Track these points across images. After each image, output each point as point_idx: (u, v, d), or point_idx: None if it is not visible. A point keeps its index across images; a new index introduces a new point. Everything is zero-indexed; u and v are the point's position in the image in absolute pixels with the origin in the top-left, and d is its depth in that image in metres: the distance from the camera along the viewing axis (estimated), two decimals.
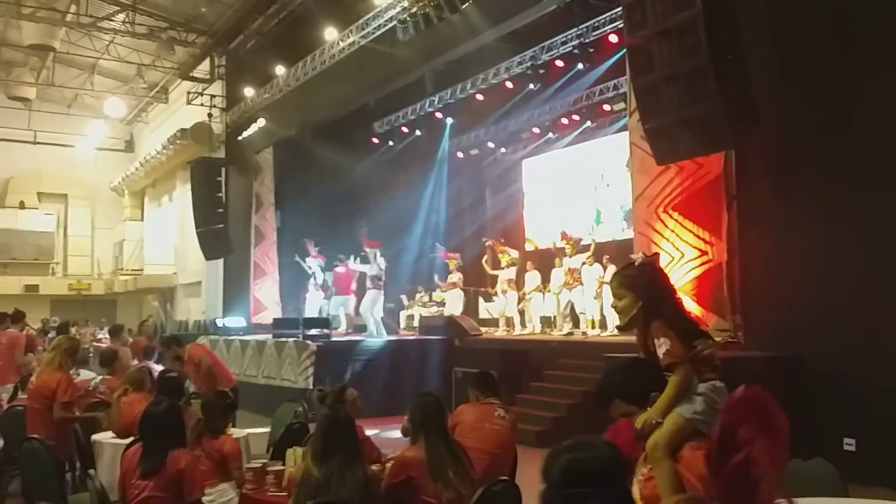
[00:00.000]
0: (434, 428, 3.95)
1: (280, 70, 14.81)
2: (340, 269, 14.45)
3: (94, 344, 14.77)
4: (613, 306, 3.15)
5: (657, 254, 4.30)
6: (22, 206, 24.57)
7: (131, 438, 5.02)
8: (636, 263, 3.10)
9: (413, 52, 11.69)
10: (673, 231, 8.66)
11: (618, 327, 3.17)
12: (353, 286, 14.42)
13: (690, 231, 8.55)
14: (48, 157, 24.52)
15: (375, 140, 17.17)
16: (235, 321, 15.49)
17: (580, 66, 12.47)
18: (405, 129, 16.50)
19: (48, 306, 22.22)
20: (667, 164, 8.35)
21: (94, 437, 6.27)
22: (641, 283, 3.01)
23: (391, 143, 16.85)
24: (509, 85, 13.71)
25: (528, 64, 13.05)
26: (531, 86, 13.27)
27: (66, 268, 25.36)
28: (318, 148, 15.78)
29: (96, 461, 5.99)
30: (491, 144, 16.88)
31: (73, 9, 17.40)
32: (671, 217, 8.69)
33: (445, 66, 13.37)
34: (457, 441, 4.24)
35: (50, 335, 13.35)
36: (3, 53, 20.84)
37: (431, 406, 4.04)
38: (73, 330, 12.90)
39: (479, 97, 14.49)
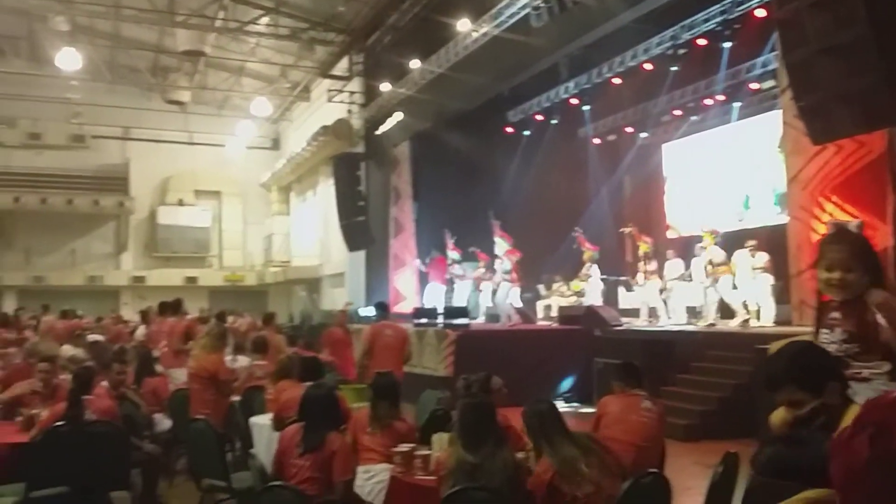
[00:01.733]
0: (554, 430, 3.90)
1: (415, 64, 15.06)
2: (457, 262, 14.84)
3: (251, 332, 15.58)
4: (839, 280, 2.75)
5: (863, 222, 4.01)
6: (181, 203, 26.35)
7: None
8: (855, 230, 2.87)
9: (547, 38, 11.55)
10: (831, 215, 8.13)
11: (840, 302, 2.86)
12: (450, 276, 14.69)
13: (851, 214, 7.99)
14: (203, 157, 26.15)
15: (509, 129, 17.13)
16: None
17: (724, 43, 11.90)
18: (539, 117, 16.36)
19: (206, 297, 23.72)
20: (824, 144, 7.83)
21: (252, 419, 6.64)
22: (869, 253, 2.78)
23: (526, 131, 16.75)
24: (648, 67, 13.29)
25: (668, 44, 12.61)
26: (672, 67, 12.81)
27: (222, 260, 26.98)
28: (452, 139, 15.94)
29: (254, 442, 6.34)
30: (629, 129, 16.45)
31: (221, 14, 18.40)
32: (829, 200, 8.15)
33: (580, 50, 13.11)
34: (588, 433, 4.18)
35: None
36: (160, 60, 22.37)
37: (546, 411, 3.99)
38: (230, 319, 13.68)
39: (616, 81, 14.14)
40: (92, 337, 11.26)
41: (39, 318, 14.69)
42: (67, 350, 8.78)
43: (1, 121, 24.38)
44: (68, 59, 18.94)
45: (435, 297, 15.64)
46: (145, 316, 14.30)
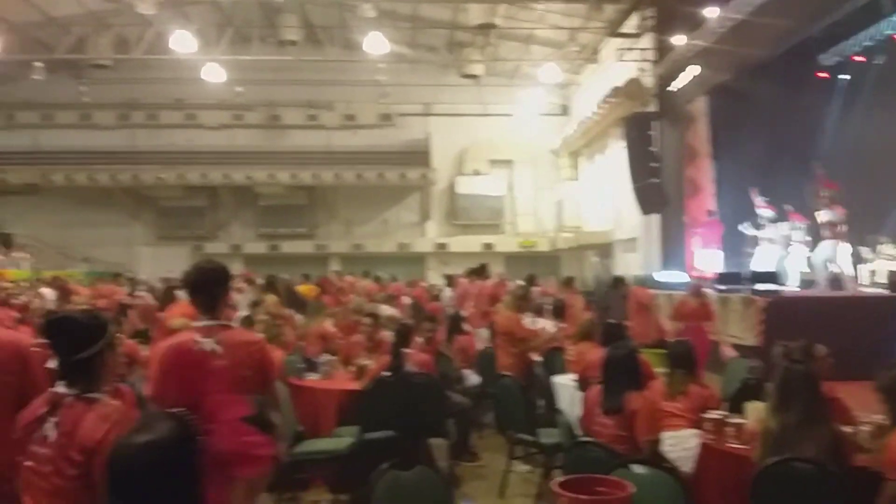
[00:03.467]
0: None
1: (712, 12, 14.13)
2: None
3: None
4: None
5: None
6: (476, 173, 27.62)
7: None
8: None
9: None
10: None
11: None
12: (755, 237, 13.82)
13: None
14: (495, 127, 27.14)
15: (823, 74, 15.44)
16: (674, 275, 15.40)
17: None
18: (859, 58, 14.52)
19: (502, 262, 24.72)
20: None
21: (554, 378, 6.81)
22: None
23: (843, 75, 14.98)
24: None
25: None
26: None
27: (516, 227, 27.88)
28: (755, 91, 14.77)
29: (556, 400, 6.50)
30: None
31: None
32: None
33: None
34: None
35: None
36: (455, 36, 23.48)
37: None
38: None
39: None
40: (405, 299, 12.33)
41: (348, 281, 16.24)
42: (385, 310, 9.69)
43: (322, 105, 27.38)
44: (376, 43, 20.60)
45: (711, 262, 14.66)
46: (451, 280, 15.32)
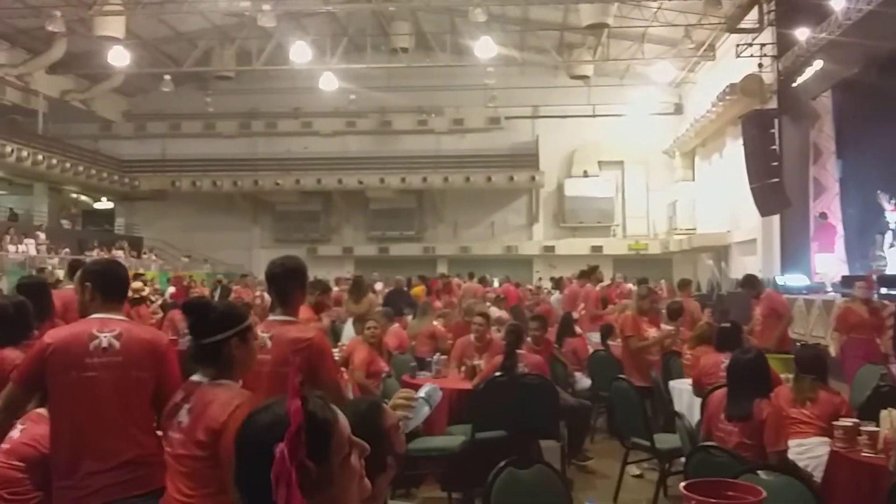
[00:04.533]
0: None
1: (838, 3, 13.43)
2: None
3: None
4: None
5: None
6: (585, 174, 27.29)
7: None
8: None
9: None
10: None
11: None
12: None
13: None
14: (605, 128, 26.76)
15: None
16: (796, 279, 14.72)
17: None
18: None
19: (611, 265, 24.31)
20: None
21: (672, 382, 6.66)
22: None
23: None
24: None
25: None
26: None
27: (625, 229, 27.37)
28: (884, 85, 13.88)
29: (675, 404, 6.35)
30: None
31: None
32: None
33: None
34: None
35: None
36: (565, 38, 23.29)
37: None
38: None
39: None
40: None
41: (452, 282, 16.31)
42: (494, 311, 9.71)
43: (431, 110, 27.77)
44: (485, 47, 20.71)
45: (832, 266, 13.89)
46: (558, 283, 15.22)
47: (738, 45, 17.92)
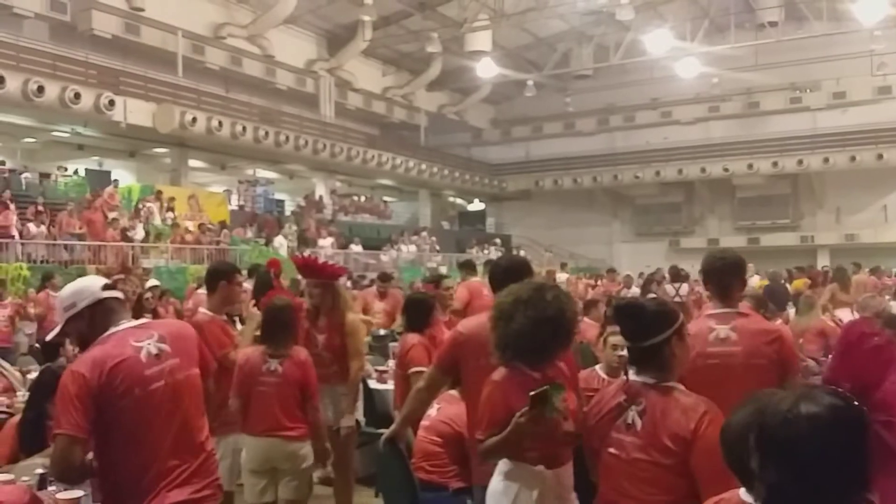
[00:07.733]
0: None
1: None
2: None
3: None
4: None
5: None
6: None
7: None
8: None
9: None
10: None
11: None
12: None
13: None
14: None
15: None
16: None
17: None
18: None
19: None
20: None
21: None
22: None
23: None
24: None
25: None
26: None
27: None
28: None
29: None
30: None
31: None
32: None
33: None
34: None
35: None
36: None
37: None
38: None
39: None
40: None
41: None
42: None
43: (806, 86, 25.36)
44: (870, 9, 18.31)
45: None
46: None
47: None
